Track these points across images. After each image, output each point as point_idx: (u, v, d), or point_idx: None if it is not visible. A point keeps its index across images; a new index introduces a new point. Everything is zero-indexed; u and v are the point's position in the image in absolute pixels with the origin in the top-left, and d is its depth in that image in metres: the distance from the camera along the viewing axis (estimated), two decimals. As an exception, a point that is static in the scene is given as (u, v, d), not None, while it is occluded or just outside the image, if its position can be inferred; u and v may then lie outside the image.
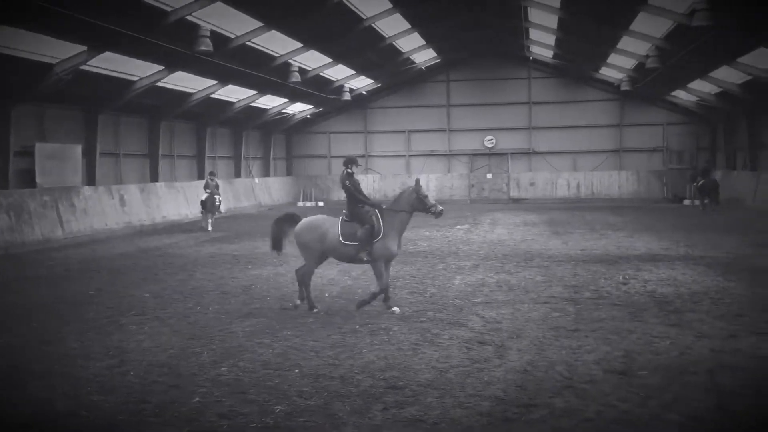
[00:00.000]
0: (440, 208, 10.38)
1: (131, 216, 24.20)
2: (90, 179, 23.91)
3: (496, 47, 37.17)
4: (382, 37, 28.44)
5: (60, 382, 7.05)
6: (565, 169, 39.38)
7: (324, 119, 41.25)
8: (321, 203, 38.67)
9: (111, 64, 21.63)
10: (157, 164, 28.20)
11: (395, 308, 10.22)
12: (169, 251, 17.89)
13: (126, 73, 23.17)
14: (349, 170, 10.54)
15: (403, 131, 40.92)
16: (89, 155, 24.00)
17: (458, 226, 23.91)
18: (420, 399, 6.49)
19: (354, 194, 10.39)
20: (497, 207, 34.67)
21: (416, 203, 10.32)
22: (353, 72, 33.97)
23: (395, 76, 37.73)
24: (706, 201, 29.19)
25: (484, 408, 6.23)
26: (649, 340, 8.42)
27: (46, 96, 21.12)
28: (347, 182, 10.43)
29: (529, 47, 35.95)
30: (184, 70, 24.10)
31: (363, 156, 41.16)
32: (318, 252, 10.39)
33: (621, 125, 38.85)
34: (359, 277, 13.36)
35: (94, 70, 21.38)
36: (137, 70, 23.24)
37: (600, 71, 36.18)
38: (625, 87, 33.67)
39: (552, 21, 28.03)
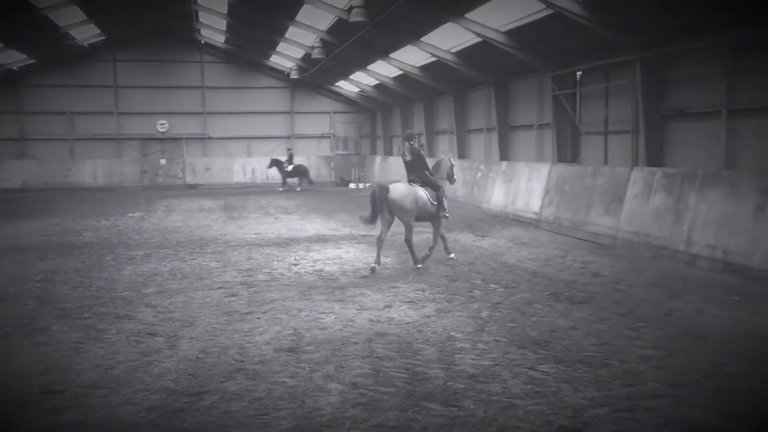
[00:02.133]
0: (456, 177, 13.07)
1: None
2: None
3: (166, 28, 35.88)
4: (33, 8, 25.59)
5: None
6: (241, 154, 39.79)
7: (-35, 96, 35.85)
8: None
9: None
10: None
11: (452, 254, 12.68)
12: None
13: None
14: (412, 143, 12.35)
15: (65, 113, 37.48)
16: None
17: (130, 214, 22.72)
18: (82, 401, 6.07)
19: (426, 163, 12.44)
20: (172, 193, 33.67)
21: (450, 173, 12.73)
22: (1, 45, 30.08)
23: (53, 52, 34.27)
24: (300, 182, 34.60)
25: (153, 401, 6.06)
26: (317, 316, 8.93)
27: None
28: (422, 152, 12.57)
29: (200, 31, 35.46)
30: None
31: (17, 140, 36.82)
32: (414, 214, 11.95)
33: (292, 112, 40.45)
34: None
35: None
36: None
37: (271, 59, 37.16)
38: (294, 75, 35.07)
39: (222, 5, 27.97)
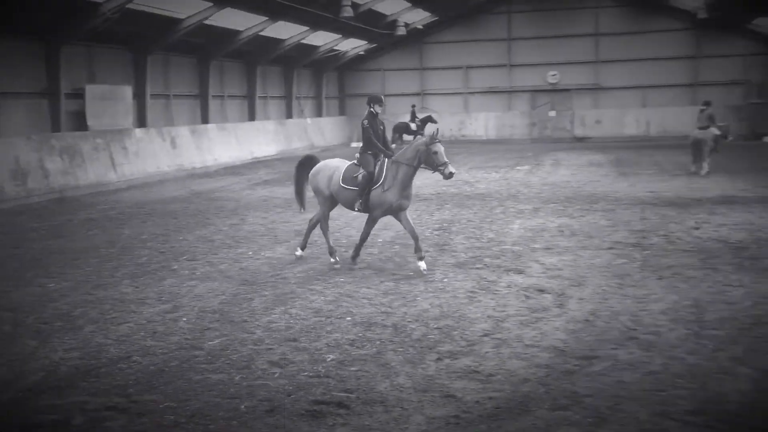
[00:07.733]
0: (451, 170, 8.93)
1: (183, 159, 24.00)
2: (141, 121, 23.63)
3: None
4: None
5: (114, 327, 7.07)
6: (634, 105, 37.61)
7: (377, 56, 40.10)
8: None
9: (158, 1, 21.12)
10: (208, 105, 27.90)
11: (423, 264, 9.12)
12: (221, 195, 17.85)
13: (173, 11, 22.50)
14: (372, 110, 9.61)
15: (461, 67, 39.65)
16: (139, 97, 23.63)
17: (518, 167, 23.20)
18: (475, 349, 6.28)
19: (369, 137, 9.50)
20: (560, 146, 33.34)
21: (424, 157, 9.07)
22: (408, 5, 32.91)
23: (452, 9, 36.38)
24: None
25: (543, 359, 5.99)
26: (721, 289, 7.96)
27: (94, 36, 20.64)
28: (365, 122, 9.56)
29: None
30: (232, 6, 23.51)
31: (419, 94, 40.17)
32: (326, 195, 9.74)
33: (696, 57, 36.62)
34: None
35: (141, 8, 20.80)
36: (185, 7, 22.59)
37: (675, -2, 34.01)
38: (701, 15, 31.62)
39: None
